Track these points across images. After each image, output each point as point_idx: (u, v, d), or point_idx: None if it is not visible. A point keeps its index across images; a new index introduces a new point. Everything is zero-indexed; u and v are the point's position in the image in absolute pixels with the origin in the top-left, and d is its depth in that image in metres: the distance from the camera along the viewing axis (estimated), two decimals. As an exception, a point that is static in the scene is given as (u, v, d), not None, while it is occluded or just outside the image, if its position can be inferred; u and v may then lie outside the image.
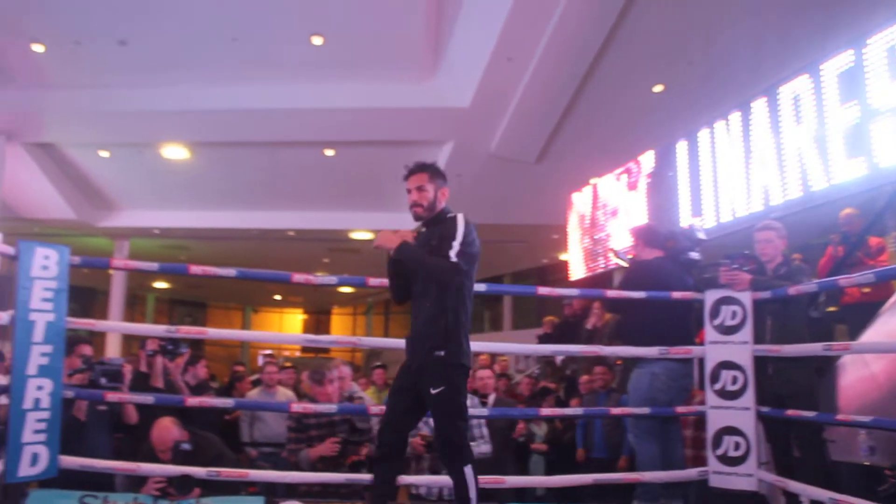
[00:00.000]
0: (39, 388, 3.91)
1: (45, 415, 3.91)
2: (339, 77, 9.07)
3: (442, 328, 3.30)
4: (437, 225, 3.46)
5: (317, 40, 8.49)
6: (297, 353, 23.01)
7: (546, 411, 6.02)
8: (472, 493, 3.21)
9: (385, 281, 4.33)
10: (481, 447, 4.84)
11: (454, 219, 3.43)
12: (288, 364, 7.35)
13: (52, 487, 3.95)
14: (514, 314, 18.74)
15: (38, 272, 3.97)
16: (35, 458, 3.88)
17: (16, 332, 3.87)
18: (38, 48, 8.88)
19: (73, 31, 8.58)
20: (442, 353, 3.27)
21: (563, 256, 15.06)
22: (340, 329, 27.33)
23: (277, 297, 25.49)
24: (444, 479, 4.50)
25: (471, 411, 4.64)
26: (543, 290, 4.78)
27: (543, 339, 9.98)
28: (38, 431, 3.89)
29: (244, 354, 25.02)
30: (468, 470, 3.22)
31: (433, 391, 3.22)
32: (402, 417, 3.39)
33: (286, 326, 27.51)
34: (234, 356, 24.40)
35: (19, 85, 9.58)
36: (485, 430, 5.00)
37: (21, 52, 8.93)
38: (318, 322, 27.88)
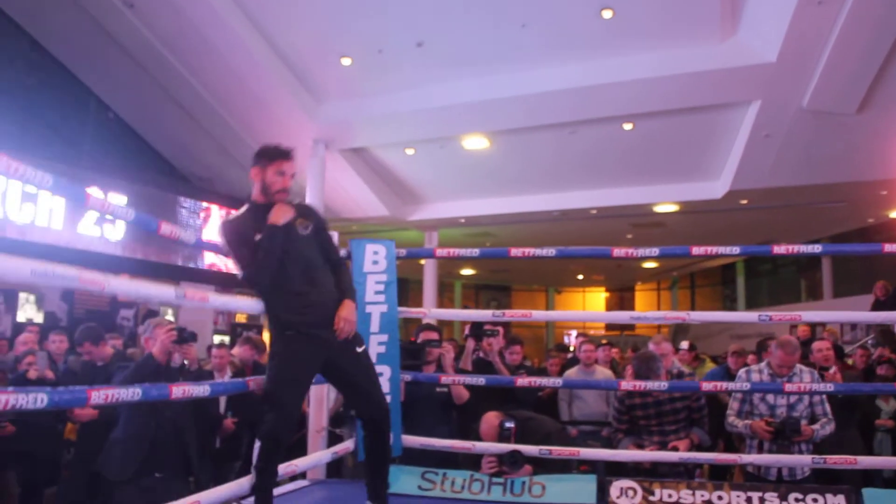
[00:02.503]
0: (380, 374, 4.17)
1: (387, 399, 4.17)
2: (633, 48, 8.82)
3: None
4: (304, 212, 3.47)
5: (606, 14, 8.31)
6: (602, 332, 22.94)
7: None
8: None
9: (707, 249, 4.12)
10: (825, 428, 4.41)
11: (320, 213, 3.58)
12: (604, 342, 7.28)
13: (397, 464, 4.20)
14: (835, 281, 17.18)
15: (369, 267, 4.25)
16: (381, 439, 4.14)
17: (356, 323, 4.15)
18: (346, 62, 9.62)
19: (375, 41, 9.20)
20: None
21: (893, 214, 13.60)
22: (644, 305, 26.80)
23: (580, 277, 25.57)
24: (784, 459, 4.19)
25: (813, 387, 4.27)
26: (890, 248, 4.16)
27: (877, 306, 9.08)
28: (382, 414, 4.14)
29: (549, 334, 25.44)
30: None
31: (359, 349, 3.40)
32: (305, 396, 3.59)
33: (589, 305, 27.49)
34: (539, 337, 24.92)
35: (333, 97, 10.47)
36: (827, 408, 4.56)
37: (332, 67, 9.74)
38: (621, 299, 27.57)
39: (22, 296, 10.77)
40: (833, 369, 5.61)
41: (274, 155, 3.36)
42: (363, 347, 3.43)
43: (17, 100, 10.17)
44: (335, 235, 3.64)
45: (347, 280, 3.55)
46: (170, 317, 12.63)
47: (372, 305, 4.25)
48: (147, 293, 2.89)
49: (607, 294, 27.94)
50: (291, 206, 3.34)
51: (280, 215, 3.26)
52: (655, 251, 4.25)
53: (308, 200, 11.09)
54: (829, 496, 3.69)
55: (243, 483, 3.27)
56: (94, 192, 9.45)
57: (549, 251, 4.14)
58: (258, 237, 3.21)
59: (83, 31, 10.09)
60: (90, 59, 10.96)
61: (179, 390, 2.90)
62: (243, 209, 3.40)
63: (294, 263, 3.29)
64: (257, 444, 3.22)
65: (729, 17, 8.38)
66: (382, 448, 3.48)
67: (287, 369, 3.23)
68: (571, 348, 11.23)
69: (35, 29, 10.56)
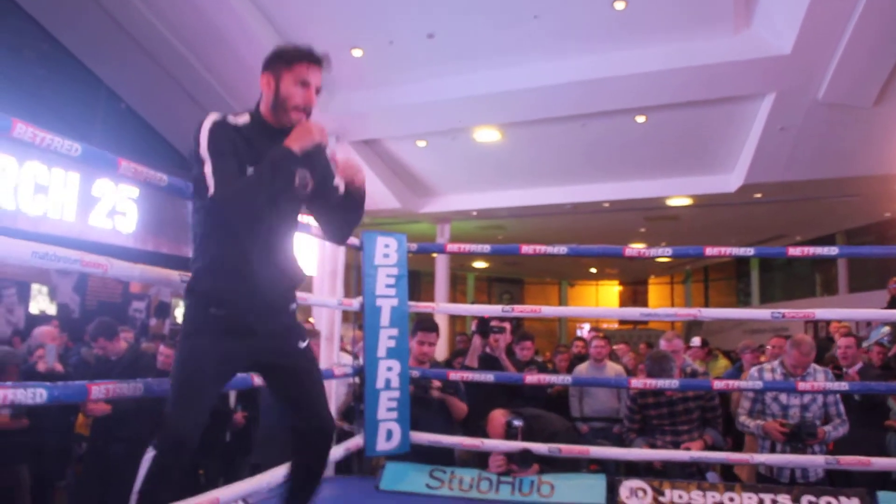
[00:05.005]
0: (389, 368, 4.16)
1: (396, 394, 4.15)
2: (646, 40, 8.74)
3: (299, 276, 2.66)
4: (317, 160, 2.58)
5: (619, 5, 8.23)
6: (615, 326, 22.87)
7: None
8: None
9: (720, 250, 4.05)
10: (838, 430, 4.35)
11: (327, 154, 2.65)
12: (605, 338, 7.21)
13: (405, 461, 4.17)
14: (850, 275, 17.04)
15: (380, 260, 4.22)
16: (389, 434, 4.15)
17: (365, 317, 4.14)
18: (357, 53, 9.57)
19: (386, 32, 9.14)
20: (295, 305, 2.69)
21: (909, 208, 13.48)
22: (658, 299, 26.71)
23: (593, 270, 25.52)
24: (797, 460, 4.14)
25: (827, 386, 4.21)
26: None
27: (893, 303, 8.99)
28: (390, 409, 4.14)
29: (562, 328, 25.39)
30: None
31: (303, 344, 2.60)
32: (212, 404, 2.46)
33: (602, 299, 27.43)
34: (552, 330, 24.86)
35: (344, 89, 10.41)
36: (842, 408, 4.49)
37: (343, 59, 9.68)
38: (634, 293, 27.49)
39: (34, 287, 10.80)
40: (853, 370, 5.55)
41: (295, 56, 2.48)
42: (306, 343, 2.65)
43: (27, 90, 10.18)
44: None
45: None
46: (182, 308, 12.67)
47: (382, 299, 4.21)
48: (150, 277, 2.83)
49: (621, 287, 27.86)
50: (322, 130, 2.45)
51: (304, 137, 2.40)
52: (668, 251, 4.19)
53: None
54: (843, 499, 3.64)
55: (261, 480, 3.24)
56: (105, 182, 9.45)
57: (561, 249, 4.09)
58: (250, 169, 2.36)
59: (95, 22, 10.08)
60: (101, 49, 10.95)
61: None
62: (242, 118, 2.53)
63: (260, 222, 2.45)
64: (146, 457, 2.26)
65: (743, 9, 8.29)
66: (317, 469, 2.68)
67: (196, 363, 2.36)
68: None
69: (46, 19, 10.54)
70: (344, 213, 2.73)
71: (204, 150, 2.38)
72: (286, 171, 2.34)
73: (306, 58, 2.47)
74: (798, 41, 8.06)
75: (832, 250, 4.08)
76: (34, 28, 10.51)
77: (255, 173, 2.32)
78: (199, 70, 10.32)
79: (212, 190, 2.29)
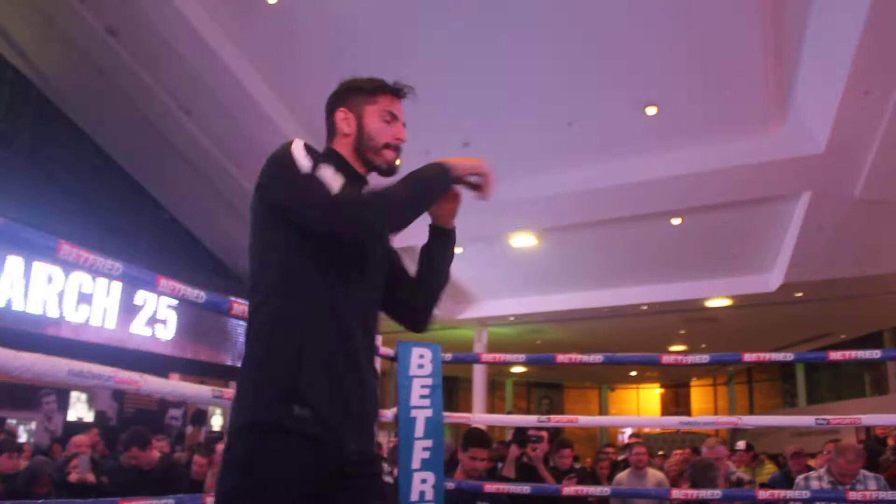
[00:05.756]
0: (424, 481, 4.07)
1: (432, 507, 4.06)
2: (678, 144, 8.84)
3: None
4: None
5: (651, 110, 8.37)
6: (658, 430, 22.33)
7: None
8: None
9: (759, 356, 3.97)
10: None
11: None
12: (661, 452, 7.04)
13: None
14: (903, 374, 16.54)
15: (415, 370, 4.19)
16: (427, 549, 4.03)
17: (400, 428, 4.09)
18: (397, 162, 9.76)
19: (422, 142, 9.30)
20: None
21: (958, 305, 13.17)
22: (700, 402, 26.09)
23: (633, 374, 25.11)
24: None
25: (881, 495, 4.03)
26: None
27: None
28: (427, 524, 4.04)
29: (603, 432, 24.83)
30: None
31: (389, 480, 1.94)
32: None
33: (643, 402, 26.88)
34: (593, 435, 24.32)
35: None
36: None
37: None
38: (676, 396, 26.89)
39: (73, 395, 10.90)
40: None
41: (378, 87, 2.08)
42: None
43: (78, 202, 10.55)
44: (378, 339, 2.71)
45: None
46: (218, 416, 12.66)
47: (417, 410, 4.17)
48: (183, 392, 2.84)
49: (662, 390, 27.30)
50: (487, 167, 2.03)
51: (467, 164, 2.04)
52: (706, 358, 4.12)
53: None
54: None
55: None
56: (146, 292, 9.57)
57: (597, 357, 4.05)
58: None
59: (142, 136, 10.49)
60: (147, 162, 11.37)
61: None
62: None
63: (355, 303, 1.92)
64: None
65: (775, 109, 8.36)
66: None
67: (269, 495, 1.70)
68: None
69: (97, 134, 11.04)
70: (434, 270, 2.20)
71: (303, 158, 1.86)
72: (440, 188, 1.98)
73: (390, 90, 2.09)
74: (831, 140, 8.08)
75: (875, 353, 3.98)
76: (87, 143, 11.04)
77: (401, 182, 1.92)
78: (241, 181, 10.60)
79: (335, 188, 1.80)
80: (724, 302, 13.05)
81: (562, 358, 4.13)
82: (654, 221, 10.47)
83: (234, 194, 11.11)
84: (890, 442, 8.98)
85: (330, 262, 1.88)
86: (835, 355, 3.96)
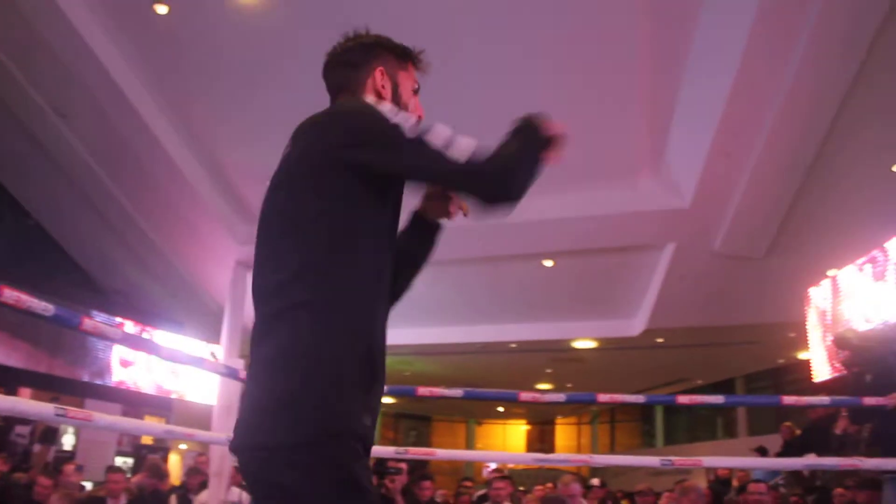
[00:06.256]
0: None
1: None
2: (556, 190, 9.09)
3: None
4: None
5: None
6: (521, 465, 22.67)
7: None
8: None
9: (612, 397, 4.13)
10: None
11: None
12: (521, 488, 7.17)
13: None
14: (750, 418, 17.44)
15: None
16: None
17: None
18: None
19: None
20: None
21: (802, 356, 13.99)
22: (565, 439, 26.70)
23: (500, 409, 25.44)
24: None
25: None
26: (788, 400, 4.33)
27: (785, 447, 9.20)
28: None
29: (469, 466, 25.00)
30: None
31: None
32: None
33: (509, 438, 27.25)
34: (458, 468, 24.44)
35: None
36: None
37: (262, 191, 9.66)
38: (541, 433, 27.41)
39: None
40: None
41: (408, 55, 1.93)
42: None
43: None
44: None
45: None
46: (70, 435, 12.06)
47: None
48: (23, 409, 2.70)
49: (528, 427, 27.77)
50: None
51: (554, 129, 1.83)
52: (562, 397, 4.26)
53: (227, 325, 10.92)
54: None
55: None
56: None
57: (457, 392, 4.12)
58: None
59: (10, 135, 9.96)
60: (14, 163, 10.79)
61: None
62: None
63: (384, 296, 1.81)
64: None
65: (646, 163, 8.75)
66: None
67: None
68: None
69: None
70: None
71: (406, 120, 1.68)
72: (542, 150, 1.79)
73: (417, 60, 1.94)
74: (696, 196, 8.54)
75: (719, 399, 4.21)
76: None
77: (524, 147, 1.75)
78: (115, 192, 10.23)
79: (468, 148, 1.63)
80: (590, 343, 13.42)
81: (423, 391, 4.17)
82: (527, 262, 10.72)
83: (106, 204, 10.71)
84: (734, 483, 9.45)
85: (388, 246, 1.76)
86: (683, 399, 4.17)
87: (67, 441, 12.10)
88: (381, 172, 1.66)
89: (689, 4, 6.78)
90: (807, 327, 9.49)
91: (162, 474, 6.23)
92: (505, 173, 1.68)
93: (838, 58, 6.66)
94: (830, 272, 8.68)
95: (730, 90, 6.92)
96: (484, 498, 7.14)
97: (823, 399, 4.71)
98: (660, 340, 12.86)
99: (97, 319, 11.51)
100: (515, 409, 25.10)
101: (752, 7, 6.17)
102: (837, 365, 6.07)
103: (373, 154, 1.64)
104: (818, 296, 9.04)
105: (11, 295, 2.42)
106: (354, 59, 1.88)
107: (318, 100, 1.95)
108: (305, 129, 1.75)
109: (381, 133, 1.64)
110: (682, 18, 6.95)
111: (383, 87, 1.86)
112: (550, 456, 4.47)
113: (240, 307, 10.96)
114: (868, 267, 7.93)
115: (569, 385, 17.75)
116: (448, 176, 1.68)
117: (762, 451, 9.82)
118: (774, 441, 11.95)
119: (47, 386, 10.80)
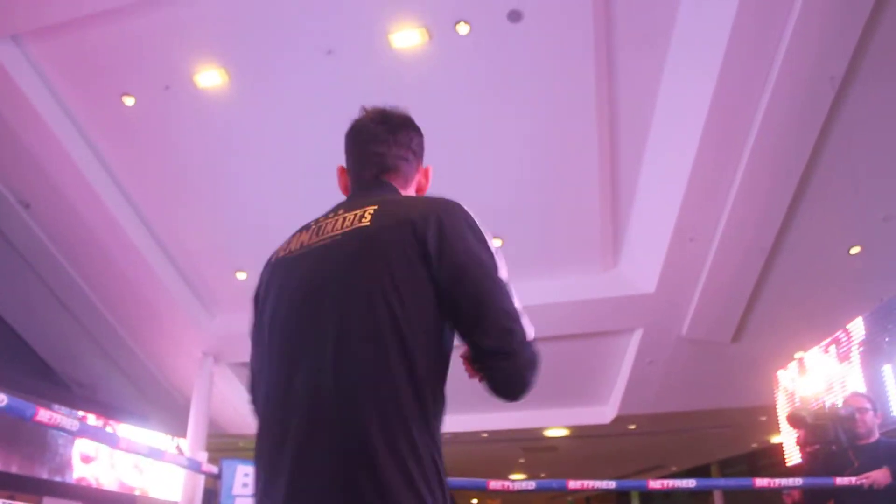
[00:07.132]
0: None
1: None
2: (520, 275, 9.13)
3: None
4: None
5: (497, 242, 8.68)
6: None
7: None
8: None
9: (583, 483, 4.07)
10: None
11: None
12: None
13: None
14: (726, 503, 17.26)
15: (238, 489, 4.03)
16: None
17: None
18: (241, 276, 9.62)
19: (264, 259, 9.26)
20: None
21: (774, 439, 13.96)
22: (541, 531, 26.14)
23: (474, 501, 24.97)
24: None
25: None
26: (761, 482, 4.31)
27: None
28: None
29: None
30: None
31: None
32: None
33: (485, 529, 26.66)
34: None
35: (225, 311, 10.35)
36: None
37: (227, 281, 9.71)
38: (517, 523, 26.87)
39: None
40: None
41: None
42: None
43: None
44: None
45: None
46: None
47: (239, 533, 3.99)
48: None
49: (504, 517, 27.20)
50: None
51: None
52: (532, 485, 4.20)
53: (194, 414, 10.69)
54: None
55: None
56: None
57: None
58: None
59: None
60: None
61: None
62: None
63: None
64: None
65: (610, 250, 8.87)
66: None
67: None
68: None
69: None
70: None
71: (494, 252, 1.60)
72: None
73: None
74: (661, 281, 8.63)
75: (690, 483, 4.17)
76: None
77: (534, 360, 1.69)
78: (79, 282, 10.11)
79: (530, 331, 1.61)
80: (563, 432, 13.30)
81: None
82: (497, 349, 10.66)
83: (69, 294, 10.57)
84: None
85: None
86: (654, 484, 4.12)
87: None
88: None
89: (648, 88, 7.00)
90: (777, 410, 9.48)
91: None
92: (534, 374, 1.61)
93: (794, 141, 6.90)
94: (797, 354, 8.74)
95: (689, 175, 7.10)
96: None
97: (797, 480, 4.66)
98: (632, 427, 12.78)
99: (59, 412, 11.31)
100: (490, 500, 24.64)
101: (707, 93, 6.39)
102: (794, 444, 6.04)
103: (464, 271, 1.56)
104: (786, 378, 9.05)
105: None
106: (416, 148, 1.81)
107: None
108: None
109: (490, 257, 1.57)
110: (639, 105, 7.17)
111: (421, 189, 1.80)
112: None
113: (205, 399, 10.76)
114: (833, 348, 7.99)
115: (542, 474, 17.52)
116: (512, 341, 1.56)
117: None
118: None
119: (2, 484, 10.40)
